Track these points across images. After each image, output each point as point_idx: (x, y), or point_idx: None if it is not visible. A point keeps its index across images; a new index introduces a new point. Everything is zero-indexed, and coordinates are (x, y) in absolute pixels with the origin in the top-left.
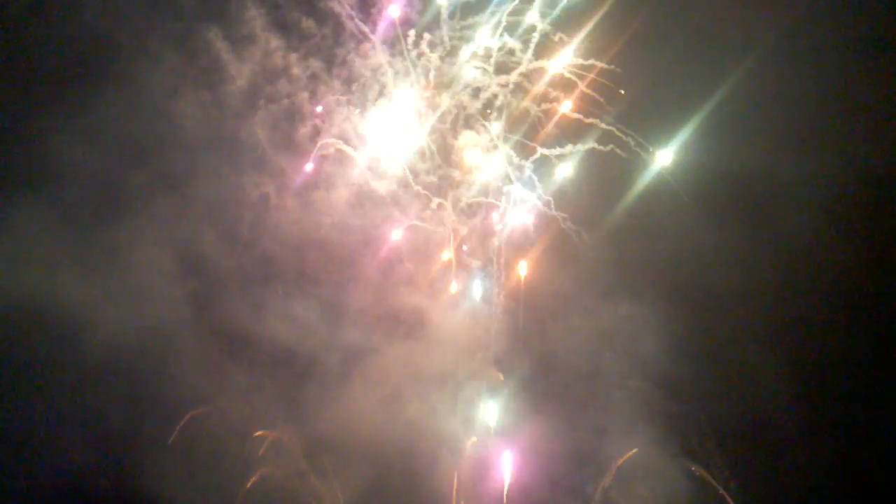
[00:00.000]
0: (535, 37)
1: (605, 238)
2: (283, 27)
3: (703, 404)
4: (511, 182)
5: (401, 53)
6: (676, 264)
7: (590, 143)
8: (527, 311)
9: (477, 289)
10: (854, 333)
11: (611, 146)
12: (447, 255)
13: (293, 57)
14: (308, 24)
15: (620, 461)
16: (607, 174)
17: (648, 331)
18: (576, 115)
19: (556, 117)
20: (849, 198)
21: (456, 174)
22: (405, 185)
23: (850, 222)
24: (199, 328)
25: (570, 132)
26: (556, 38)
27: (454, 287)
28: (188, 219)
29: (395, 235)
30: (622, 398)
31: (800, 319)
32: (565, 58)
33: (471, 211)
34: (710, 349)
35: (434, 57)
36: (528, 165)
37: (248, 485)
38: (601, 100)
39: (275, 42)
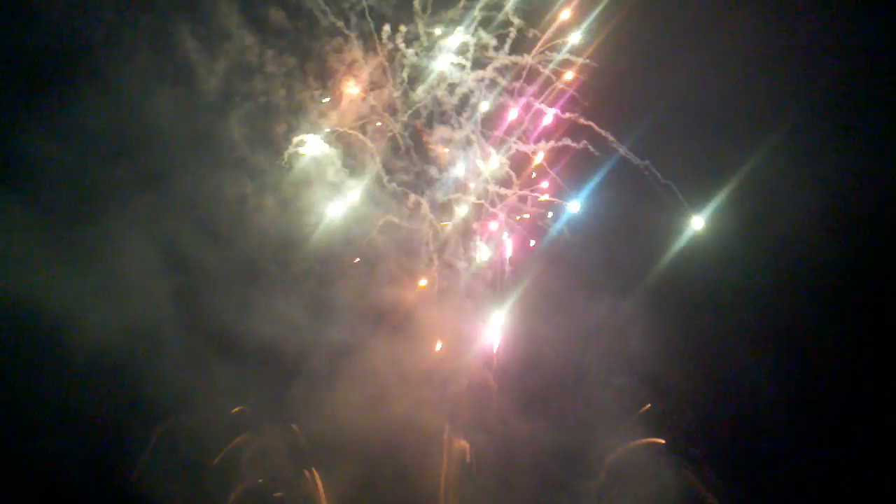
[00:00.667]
0: (512, 31)
1: (593, 238)
2: (255, 22)
3: (692, 404)
4: (488, 179)
5: (374, 49)
6: (667, 265)
7: (564, 140)
8: (513, 309)
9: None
10: (844, 336)
11: (583, 142)
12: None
13: (268, 53)
14: (279, 17)
15: (609, 459)
16: (592, 173)
17: (638, 330)
18: (552, 111)
19: (532, 111)
20: (841, 202)
21: (432, 171)
22: (381, 182)
23: (841, 226)
24: (184, 328)
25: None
26: (531, 35)
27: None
28: (170, 217)
29: (365, 242)
30: (610, 397)
31: (790, 321)
32: (539, 52)
33: (450, 208)
34: (700, 350)
35: (409, 52)
36: (504, 161)
37: (236, 490)
38: (576, 95)
39: (249, 38)
